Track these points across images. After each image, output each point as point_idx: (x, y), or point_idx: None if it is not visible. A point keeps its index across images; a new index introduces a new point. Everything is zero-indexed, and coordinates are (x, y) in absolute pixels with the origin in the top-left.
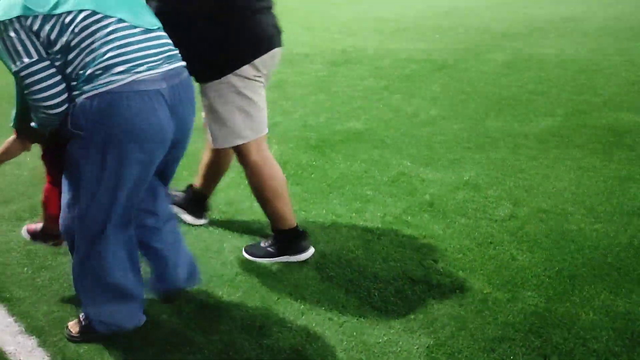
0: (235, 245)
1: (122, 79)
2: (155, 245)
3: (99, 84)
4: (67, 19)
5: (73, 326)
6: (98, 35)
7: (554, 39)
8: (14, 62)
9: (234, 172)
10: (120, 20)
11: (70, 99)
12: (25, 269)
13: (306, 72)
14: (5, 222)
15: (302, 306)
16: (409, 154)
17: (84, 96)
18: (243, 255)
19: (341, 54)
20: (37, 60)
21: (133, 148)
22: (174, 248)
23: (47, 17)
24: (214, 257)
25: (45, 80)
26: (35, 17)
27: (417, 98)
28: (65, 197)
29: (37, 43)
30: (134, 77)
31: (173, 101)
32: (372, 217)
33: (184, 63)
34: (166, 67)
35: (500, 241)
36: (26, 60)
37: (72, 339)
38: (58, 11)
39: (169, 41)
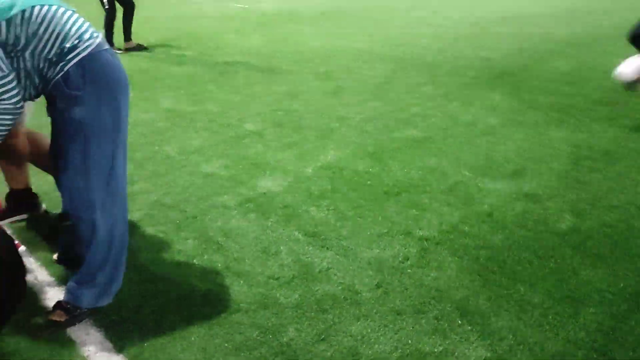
0: (292, 249)
1: (93, 42)
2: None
3: (80, 50)
4: (26, 15)
5: (59, 315)
6: (56, 18)
7: (622, 47)
8: None
9: (291, 177)
10: (60, 6)
11: (57, 72)
12: None
13: (363, 78)
14: None
15: (358, 311)
16: (467, 163)
17: (72, 63)
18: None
19: (399, 60)
20: (8, 73)
21: (118, 91)
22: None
23: (7, 21)
24: (270, 259)
25: (15, 87)
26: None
27: (475, 106)
28: (70, 167)
29: (3, 56)
30: (97, 41)
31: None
32: (428, 225)
33: None
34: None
35: (561, 255)
36: (3, 71)
37: (63, 326)
38: (14, 12)
39: None
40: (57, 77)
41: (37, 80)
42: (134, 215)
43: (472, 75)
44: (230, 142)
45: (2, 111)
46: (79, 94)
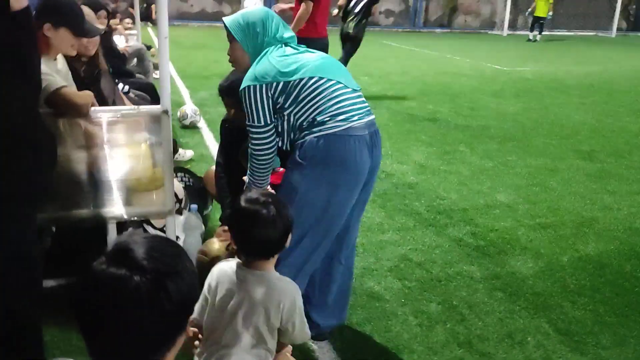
0: (541, 342)
1: (342, 125)
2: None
3: (326, 127)
4: (301, 83)
5: None
6: (324, 92)
7: None
8: (251, 121)
9: (544, 262)
10: (338, 82)
11: (300, 137)
12: None
13: (635, 165)
14: None
15: None
16: None
17: (313, 135)
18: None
19: None
20: (268, 126)
21: (343, 178)
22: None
23: (287, 82)
24: (516, 347)
25: (269, 141)
26: (278, 83)
27: None
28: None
29: (271, 109)
30: (349, 125)
31: (371, 145)
32: None
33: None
34: (367, 119)
35: None
36: (261, 123)
37: None
38: (295, 77)
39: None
40: (297, 142)
41: (286, 140)
42: (384, 264)
43: None
44: (479, 210)
45: (252, 154)
46: (303, 164)
